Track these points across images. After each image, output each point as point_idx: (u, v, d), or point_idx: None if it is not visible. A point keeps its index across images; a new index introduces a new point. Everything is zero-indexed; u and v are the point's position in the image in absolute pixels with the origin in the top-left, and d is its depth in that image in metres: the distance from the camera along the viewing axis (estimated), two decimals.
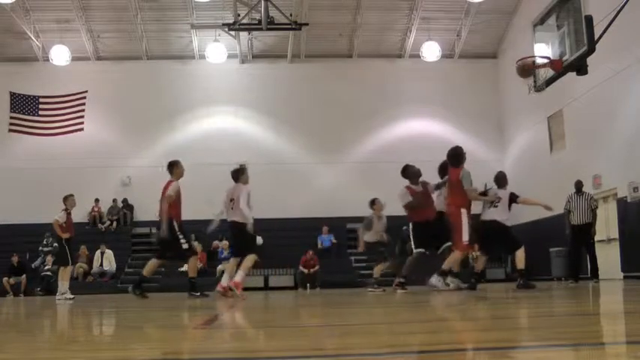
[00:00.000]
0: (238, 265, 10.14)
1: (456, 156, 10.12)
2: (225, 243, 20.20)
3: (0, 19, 20.29)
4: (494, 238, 10.26)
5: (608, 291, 9.05)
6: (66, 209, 12.22)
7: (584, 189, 13.06)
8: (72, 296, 11.73)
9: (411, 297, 8.48)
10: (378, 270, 12.24)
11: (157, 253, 10.94)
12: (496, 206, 9.97)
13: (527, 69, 11.13)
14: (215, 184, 21.54)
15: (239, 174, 10.69)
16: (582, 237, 12.63)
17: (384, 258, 12.26)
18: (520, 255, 10.45)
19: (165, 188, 10.26)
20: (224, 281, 10.02)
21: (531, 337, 3.04)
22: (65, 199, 12.39)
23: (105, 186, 21.73)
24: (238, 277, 9.77)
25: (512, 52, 19.32)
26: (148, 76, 22.29)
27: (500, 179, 10.53)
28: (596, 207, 12.86)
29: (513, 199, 10.27)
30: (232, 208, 10.18)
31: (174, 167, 10.64)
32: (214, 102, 22.41)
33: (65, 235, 12.07)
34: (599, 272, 12.75)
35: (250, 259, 9.94)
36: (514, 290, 9.45)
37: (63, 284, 11.95)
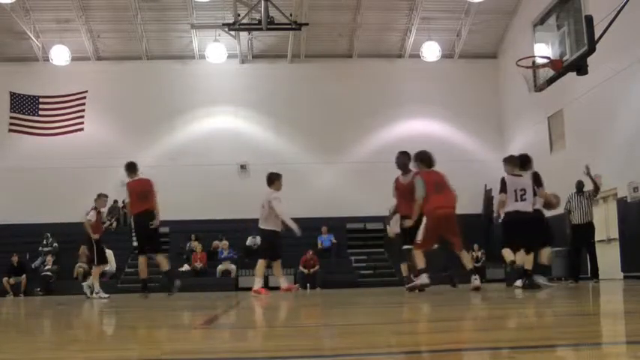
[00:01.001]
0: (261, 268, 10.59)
1: (425, 159, 9.85)
2: (225, 243, 20.21)
3: (0, 19, 20.29)
4: (527, 230, 10.10)
5: (608, 291, 9.05)
6: (96, 208, 12.20)
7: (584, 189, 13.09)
8: (106, 295, 11.81)
9: (411, 297, 8.48)
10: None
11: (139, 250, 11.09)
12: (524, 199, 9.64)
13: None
14: (215, 183, 21.70)
15: (274, 179, 10.70)
16: (583, 237, 12.64)
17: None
18: (548, 252, 10.27)
19: (143, 185, 10.66)
20: (283, 284, 10.98)
21: (531, 337, 3.04)
22: (97, 198, 12.41)
23: (105, 186, 21.62)
24: (284, 283, 10.91)
25: (512, 52, 19.33)
26: (148, 76, 22.29)
27: (525, 162, 10.08)
28: (594, 196, 12.95)
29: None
30: (262, 215, 10.50)
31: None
32: (214, 102, 22.41)
33: (95, 236, 12.13)
34: (599, 272, 12.76)
35: (277, 264, 10.78)
36: (518, 289, 9.34)
37: (95, 283, 12.09)
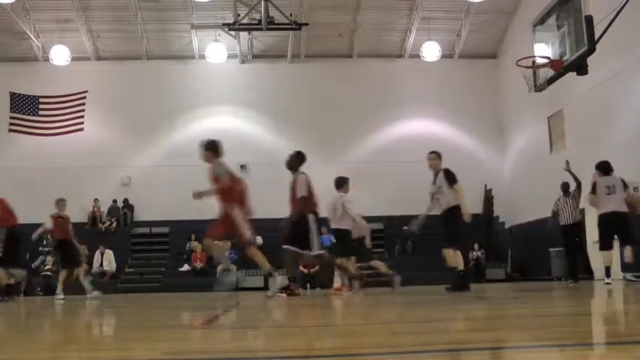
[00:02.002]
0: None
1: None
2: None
3: (0, 19, 20.29)
4: (615, 229, 10.26)
5: (607, 291, 9.04)
6: (57, 215, 12.43)
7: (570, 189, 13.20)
8: (62, 297, 11.89)
9: (411, 297, 8.48)
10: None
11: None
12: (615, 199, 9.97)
13: None
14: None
15: (342, 182, 11.28)
16: (571, 237, 12.78)
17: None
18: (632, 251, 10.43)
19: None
20: (337, 283, 11.19)
21: (531, 337, 3.04)
22: (56, 204, 12.64)
23: (105, 186, 21.75)
24: (337, 280, 11.13)
25: (512, 52, 19.33)
26: (148, 76, 22.29)
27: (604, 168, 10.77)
28: (577, 190, 12.98)
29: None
30: (335, 216, 11.04)
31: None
32: (214, 102, 22.41)
33: (63, 237, 12.26)
34: (593, 272, 12.87)
35: (346, 262, 10.97)
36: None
37: (59, 285, 12.24)
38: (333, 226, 11.21)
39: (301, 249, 9.47)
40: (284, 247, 9.62)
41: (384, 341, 3.05)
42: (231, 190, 8.82)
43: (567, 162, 12.86)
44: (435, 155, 9.80)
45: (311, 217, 9.41)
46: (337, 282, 11.21)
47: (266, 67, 22.73)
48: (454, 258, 9.42)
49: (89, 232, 20.94)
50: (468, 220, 9.43)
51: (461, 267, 9.42)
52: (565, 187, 13.10)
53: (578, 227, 12.88)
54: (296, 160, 10.09)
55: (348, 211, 10.90)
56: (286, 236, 9.56)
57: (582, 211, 12.99)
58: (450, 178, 9.43)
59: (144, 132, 22.06)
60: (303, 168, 9.97)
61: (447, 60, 22.42)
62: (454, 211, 9.39)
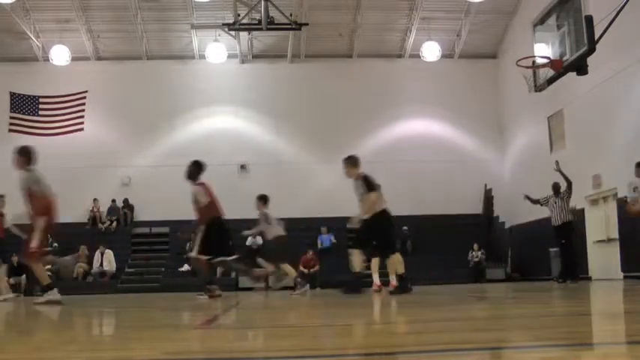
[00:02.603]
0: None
1: None
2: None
3: (0, 19, 20.29)
4: None
5: (607, 291, 9.05)
6: None
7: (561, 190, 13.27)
8: (2, 298, 11.85)
9: (411, 297, 8.48)
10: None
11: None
12: None
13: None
14: (215, 183, 21.65)
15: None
16: (561, 238, 12.85)
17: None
18: None
19: None
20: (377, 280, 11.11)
21: (531, 337, 3.04)
22: None
23: (105, 186, 21.74)
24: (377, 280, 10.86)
25: (512, 52, 19.33)
26: (148, 76, 22.29)
27: None
28: (567, 190, 13.02)
29: None
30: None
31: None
32: (214, 102, 22.41)
33: None
34: (576, 273, 12.96)
35: (375, 261, 10.91)
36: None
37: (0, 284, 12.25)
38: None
39: (216, 255, 9.52)
40: (191, 256, 9.83)
41: (384, 341, 3.05)
42: (40, 200, 8.61)
43: (557, 162, 12.99)
44: (350, 162, 9.54)
45: (212, 223, 9.49)
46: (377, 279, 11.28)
47: (266, 67, 22.73)
48: (397, 264, 9.18)
49: (89, 232, 20.94)
50: (356, 226, 9.28)
51: (401, 270, 9.16)
52: (556, 187, 13.16)
53: (567, 228, 12.91)
54: (195, 170, 10.05)
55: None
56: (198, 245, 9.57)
57: (582, 211, 12.98)
58: (368, 185, 9.19)
59: (144, 132, 22.06)
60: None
61: (447, 60, 22.42)
62: (380, 217, 9.08)
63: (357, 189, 9.34)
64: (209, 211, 9.61)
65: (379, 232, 9.26)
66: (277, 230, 12.17)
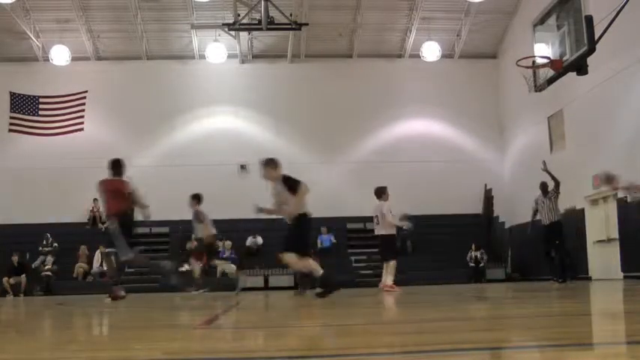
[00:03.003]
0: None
1: None
2: (228, 243, 20.20)
3: (0, 19, 20.29)
4: None
5: (607, 291, 9.05)
6: None
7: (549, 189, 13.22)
8: None
9: (411, 297, 8.48)
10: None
11: None
12: None
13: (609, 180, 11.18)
14: (215, 183, 21.69)
15: (381, 192, 11.94)
16: (550, 238, 12.83)
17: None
18: None
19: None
20: (389, 281, 11.68)
21: (531, 337, 3.04)
22: None
23: None
24: (389, 280, 11.61)
25: (512, 52, 19.32)
26: (148, 76, 22.28)
27: None
28: (555, 190, 12.93)
29: None
30: (378, 223, 11.77)
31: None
32: (214, 102, 22.40)
33: None
34: (565, 273, 12.93)
35: (392, 264, 11.78)
36: None
37: None
38: (376, 232, 11.96)
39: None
40: (106, 250, 9.87)
41: (384, 341, 3.05)
42: None
43: (544, 162, 12.98)
44: (269, 165, 8.93)
45: (118, 220, 9.50)
46: (389, 280, 11.74)
47: (266, 67, 22.72)
48: (301, 262, 8.87)
49: (89, 232, 20.92)
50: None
51: (319, 270, 8.90)
52: (544, 187, 13.14)
53: (556, 228, 12.86)
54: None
55: (388, 218, 11.57)
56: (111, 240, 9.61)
57: (582, 211, 12.96)
58: (290, 186, 8.71)
59: (144, 132, 22.06)
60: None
61: (447, 60, 22.41)
62: (301, 220, 8.62)
63: (278, 192, 8.78)
64: (113, 207, 9.63)
65: (301, 234, 8.80)
66: (209, 229, 12.30)
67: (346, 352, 2.64)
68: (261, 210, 9.16)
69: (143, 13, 21.09)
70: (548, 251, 13.12)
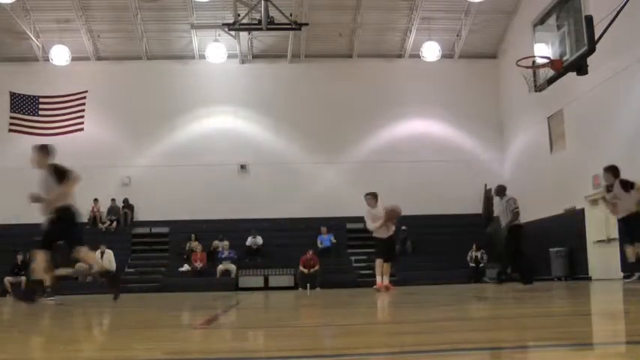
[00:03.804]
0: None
1: None
2: (225, 243, 20.20)
3: (0, 19, 20.29)
4: None
5: (607, 291, 9.05)
6: None
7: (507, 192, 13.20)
8: None
9: (411, 297, 8.48)
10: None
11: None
12: None
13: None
14: (215, 183, 21.71)
15: (374, 199, 12.22)
16: (512, 240, 12.83)
17: None
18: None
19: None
20: (385, 281, 12.09)
21: (531, 337, 3.04)
22: None
23: (105, 186, 21.73)
24: (386, 280, 12.02)
25: (512, 52, 19.33)
26: (148, 76, 22.30)
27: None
28: (516, 209, 12.80)
29: None
30: (379, 227, 12.13)
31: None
32: (214, 102, 22.42)
33: None
34: (530, 275, 12.93)
35: (387, 265, 12.25)
36: None
37: None
38: (374, 235, 12.34)
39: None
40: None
41: (384, 341, 3.05)
42: None
43: (486, 187, 13.08)
44: (41, 151, 8.51)
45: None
46: (386, 280, 12.05)
47: (266, 67, 22.73)
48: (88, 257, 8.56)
49: (89, 232, 20.90)
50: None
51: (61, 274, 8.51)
52: (498, 190, 13.16)
53: (510, 231, 12.79)
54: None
55: (377, 221, 11.98)
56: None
57: (582, 211, 12.93)
58: (58, 175, 8.24)
59: (144, 132, 22.07)
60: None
61: (447, 60, 22.43)
62: (66, 212, 8.32)
63: (45, 181, 8.28)
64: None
65: (65, 228, 8.46)
66: None
67: (346, 352, 2.64)
68: (37, 200, 8.48)
69: (143, 13, 21.10)
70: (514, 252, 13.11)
